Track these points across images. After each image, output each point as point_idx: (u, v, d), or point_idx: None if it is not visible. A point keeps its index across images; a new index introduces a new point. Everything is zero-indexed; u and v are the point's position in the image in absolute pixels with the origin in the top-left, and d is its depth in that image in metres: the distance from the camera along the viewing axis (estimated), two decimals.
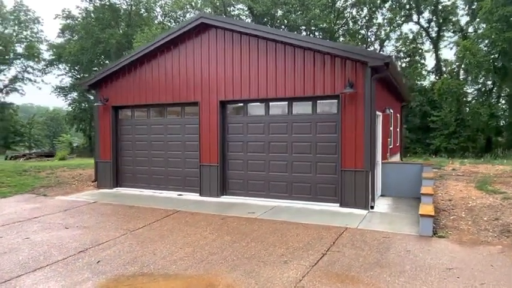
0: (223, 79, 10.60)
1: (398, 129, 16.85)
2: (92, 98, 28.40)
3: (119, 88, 12.22)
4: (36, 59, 54.51)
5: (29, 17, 57.62)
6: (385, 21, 40.80)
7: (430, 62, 53.59)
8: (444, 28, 39.42)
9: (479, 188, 9.43)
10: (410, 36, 41.74)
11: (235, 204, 9.98)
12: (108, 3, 45.21)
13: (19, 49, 55.56)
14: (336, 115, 9.36)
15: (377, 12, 40.98)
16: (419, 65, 40.24)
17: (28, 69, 55.66)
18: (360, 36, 43.95)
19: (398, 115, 16.90)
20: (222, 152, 10.80)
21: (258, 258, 5.94)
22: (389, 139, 12.61)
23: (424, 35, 41.06)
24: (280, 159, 10.18)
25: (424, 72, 39.80)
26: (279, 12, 41.05)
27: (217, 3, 41.40)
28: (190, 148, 11.25)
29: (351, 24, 44.86)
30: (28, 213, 9.08)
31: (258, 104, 10.54)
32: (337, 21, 43.64)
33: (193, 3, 42.31)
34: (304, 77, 9.59)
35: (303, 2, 39.32)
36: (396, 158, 16.16)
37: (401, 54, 42.66)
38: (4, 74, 55.55)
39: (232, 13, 44.64)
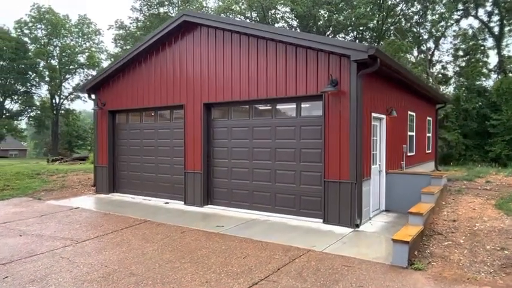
0: (206, 80, 9.87)
1: (430, 134, 14.90)
2: None
3: (114, 92, 12.02)
4: (97, 68, 58.08)
5: (91, 29, 62.02)
6: (441, 16, 37.45)
7: (493, 59, 48.45)
8: (509, 22, 35.21)
9: (498, 207, 7.68)
10: (470, 32, 38.02)
11: (213, 215, 9.16)
12: (156, 13, 46.82)
13: (81, 59, 59.89)
14: (321, 118, 8.17)
15: (431, 8, 37.75)
16: (480, 63, 36.39)
17: (89, 77, 59.66)
18: (411, 35, 40.91)
19: (430, 118, 14.95)
20: (206, 159, 10.05)
21: (174, 284, 5.08)
22: (405, 145, 10.98)
23: (485, 30, 37.06)
24: (264, 167, 9.18)
25: (485, 71, 35.81)
26: (321, 12, 39.52)
27: (261, 7, 40.93)
28: (178, 154, 10.66)
29: (403, 22, 41.99)
30: (3, 218, 9.04)
31: (241, 106, 9.65)
32: (388, 20, 41.05)
33: (235, 8, 42.26)
34: (286, 76, 8.55)
35: (347, 0, 37.50)
36: (427, 167, 14.27)
37: (460, 53, 39.02)
38: (68, 83, 60.16)
39: (276, 15, 43.99)
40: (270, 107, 9.14)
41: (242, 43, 9.22)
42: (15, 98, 58.77)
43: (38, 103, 60.68)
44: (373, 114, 8.59)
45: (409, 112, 11.62)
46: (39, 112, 60.31)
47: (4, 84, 54.67)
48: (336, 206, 7.90)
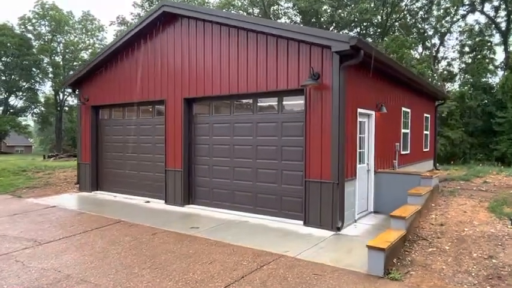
0: (187, 74, 9.42)
1: (428, 132, 14.32)
2: None
3: (97, 87, 11.63)
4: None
5: (94, 25, 61.91)
6: (446, 11, 36.52)
7: (500, 56, 47.37)
8: None
9: (491, 210, 7.14)
10: (476, 27, 37.09)
11: (192, 215, 8.74)
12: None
13: (85, 55, 59.75)
14: (303, 114, 7.67)
15: (436, 3, 36.83)
16: (486, 60, 35.49)
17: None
18: (416, 31, 40.07)
19: (428, 115, 14.36)
20: (188, 156, 9.62)
21: None
22: (397, 143, 10.44)
23: (492, 26, 36.09)
24: (245, 165, 8.72)
25: (491, 68, 34.89)
26: (324, 8, 38.83)
27: (263, 3, 40.35)
28: (160, 151, 10.23)
29: (408, 18, 41.13)
30: None
31: (223, 101, 9.20)
32: (392, 15, 40.22)
33: (237, 3, 41.72)
34: (267, 69, 8.07)
35: None
36: (425, 166, 13.71)
37: (466, 49, 38.11)
38: None
39: (279, 11, 43.39)
40: (251, 103, 8.67)
41: (222, 35, 8.76)
42: (20, 94, 58.93)
43: (42, 99, 60.85)
44: (360, 110, 8.08)
45: (403, 108, 11.07)
46: (42, 109, 60.48)
47: (8, 81, 54.81)
48: (317, 208, 7.42)
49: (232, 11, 40.50)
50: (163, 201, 9.99)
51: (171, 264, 5.63)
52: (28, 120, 66.74)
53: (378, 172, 8.96)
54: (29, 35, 56.71)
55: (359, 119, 8.14)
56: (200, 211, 9.09)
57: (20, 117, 60.03)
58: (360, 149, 8.34)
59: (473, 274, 4.98)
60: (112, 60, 11.16)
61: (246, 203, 8.70)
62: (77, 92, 12.23)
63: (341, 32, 39.64)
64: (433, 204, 7.77)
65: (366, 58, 7.22)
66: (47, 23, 57.98)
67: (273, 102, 8.33)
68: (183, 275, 5.23)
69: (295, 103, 7.99)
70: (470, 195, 8.44)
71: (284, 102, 8.14)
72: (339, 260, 5.72)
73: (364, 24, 41.58)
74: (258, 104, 8.54)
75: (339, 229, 7.13)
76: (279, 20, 41.09)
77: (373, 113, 8.77)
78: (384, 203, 8.77)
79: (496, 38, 36.15)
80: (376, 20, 40.89)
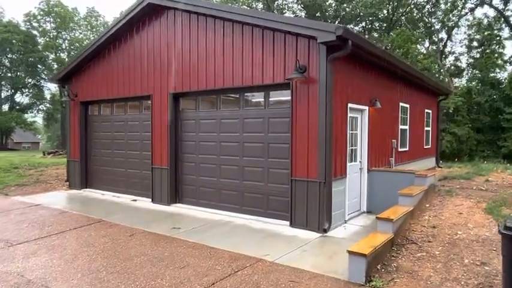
0: (173, 68, 9.07)
1: (429, 128, 13.81)
2: None
3: (86, 82, 11.35)
4: None
5: (99, 21, 61.90)
6: (454, 5, 35.61)
7: (509, 50, 46.14)
8: None
9: (488, 211, 6.70)
10: (485, 21, 36.11)
11: (176, 215, 8.42)
12: None
13: None
14: (289, 109, 7.28)
15: None
16: (495, 54, 34.57)
17: None
18: (423, 25, 39.24)
19: (430, 111, 13.84)
20: (174, 153, 9.29)
21: None
22: (394, 140, 9.99)
23: (501, 19, 35.12)
24: (232, 163, 8.37)
25: (500, 62, 33.97)
26: (329, 2, 38.18)
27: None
28: (147, 148, 9.91)
29: (415, 12, 40.27)
30: None
31: (209, 96, 8.84)
32: (399, 9, 39.39)
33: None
34: (252, 62, 7.68)
35: None
36: (426, 163, 13.23)
37: (475, 43, 37.19)
38: None
39: (283, 5, 42.83)
40: (237, 98, 8.30)
41: (208, 26, 8.39)
42: (25, 91, 59.18)
43: (47, 96, 61.04)
44: (351, 105, 7.66)
45: (401, 104, 10.61)
46: (48, 105, 60.67)
47: (14, 78, 55.05)
48: (303, 208, 7.04)
49: (235, 6, 40.09)
50: (151, 200, 9.68)
51: (142, 269, 5.31)
52: (36, 117, 67.09)
53: (372, 170, 8.54)
54: (34, 32, 56.80)
55: (350, 115, 7.72)
56: (186, 210, 8.76)
57: (26, 114, 60.35)
58: (351, 146, 7.93)
59: (462, 283, 4.58)
60: (100, 55, 10.85)
61: (232, 202, 8.36)
62: (66, 88, 11.95)
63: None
64: (427, 205, 7.35)
65: (356, 49, 6.82)
66: (52, 19, 58.05)
67: (259, 97, 7.96)
68: (151, 280, 4.91)
69: (282, 98, 7.60)
70: (468, 195, 7.99)
71: (271, 97, 7.76)
72: (320, 265, 5.35)
73: (370, 18, 40.82)
74: (245, 99, 8.17)
75: (325, 231, 6.74)
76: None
77: (366, 108, 8.35)
78: (377, 202, 8.36)
79: (505, 32, 35.20)
80: (381, 15, 40.12)
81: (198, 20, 8.56)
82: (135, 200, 9.96)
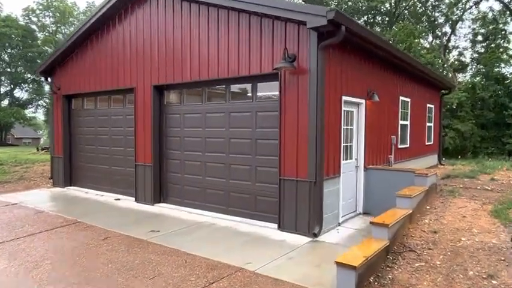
0: (156, 59, 8.49)
1: (431, 124, 13.17)
2: None
3: (69, 75, 10.77)
4: None
5: None
6: None
7: None
8: None
9: (494, 215, 6.10)
10: (490, 15, 35.26)
11: (159, 216, 7.85)
12: None
13: None
14: (278, 102, 6.67)
15: None
16: (500, 49, 33.71)
17: None
18: (426, 19, 38.38)
19: (433, 106, 13.20)
20: (158, 150, 8.72)
21: None
22: (393, 136, 9.38)
23: (507, 13, 34.23)
24: (218, 160, 7.79)
25: (505, 57, 33.12)
26: None
27: None
28: (131, 144, 9.34)
29: (418, 5, 39.40)
30: None
31: (194, 89, 8.25)
32: (402, 3, 38.54)
33: None
34: (238, 51, 7.07)
35: None
36: (428, 161, 12.62)
37: (479, 38, 36.33)
38: None
39: None
40: (223, 90, 7.70)
41: (192, 13, 7.79)
42: (25, 86, 58.71)
43: (47, 91, 60.48)
44: (346, 98, 7.05)
45: (402, 97, 9.98)
46: (48, 101, 60.15)
47: (13, 73, 54.58)
48: (292, 210, 6.46)
49: None
50: (134, 199, 9.13)
51: (107, 279, 4.75)
52: (37, 113, 66.66)
53: (369, 169, 7.94)
54: (33, 27, 56.19)
55: (345, 108, 7.11)
56: (170, 211, 8.20)
57: (26, 110, 59.90)
58: (346, 142, 7.34)
59: None
60: (83, 46, 10.27)
61: (218, 202, 7.79)
62: (49, 80, 11.38)
63: None
64: (428, 207, 6.75)
65: (350, 36, 6.22)
66: (51, 14, 57.43)
67: (246, 89, 7.35)
68: None
69: (270, 90, 6.98)
70: (472, 196, 7.38)
71: (258, 89, 7.16)
72: (306, 275, 4.77)
73: (372, 12, 40.02)
74: (231, 92, 7.58)
75: (315, 235, 6.16)
76: None
77: (363, 101, 7.73)
78: (374, 203, 7.77)
79: (511, 26, 34.37)
80: (384, 8, 39.31)
81: (181, 6, 7.96)
82: (119, 199, 9.41)
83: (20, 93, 59.78)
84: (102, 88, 9.76)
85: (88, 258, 5.47)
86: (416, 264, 4.80)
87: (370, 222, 5.16)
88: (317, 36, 5.98)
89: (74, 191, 10.70)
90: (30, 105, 60.69)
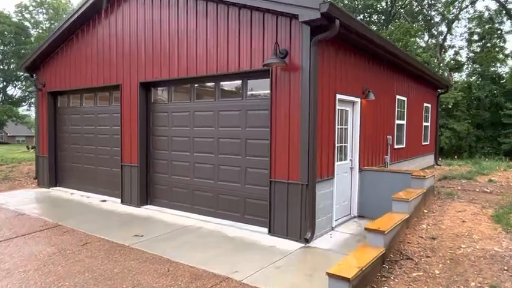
0: (143, 55, 8.13)
1: (428, 124, 12.91)
2: None
3: (54, 71, 10.37)
4: None
5: None
6: None
7: (510, 45, 45.05)
8: None
9: (496, 220, 5.80)
10: (486, 14, 35.10)
11: (144, 219, 7.49)
12: None
13: None
14: (269, 100, 6.34)
15: None
16: (496, 48, 33.59)
17: None
18: (422, 18, 38.19)
19: (429, 105, 12.94)
20: (145, 149, 8.36)
21: None
22: (389, 136, 9.08)
23: (503, 12, 34.10)
24: (206, 161, 7.45)
25: (500, 57, 33.01)
26: None
27: None
28: (117, 143, 8.97)
29: (414, 4, 39.20)
30: None
31: (182, 86, 7.90)
32: (398, 2, 38.31)
33: None
34: (227, 46, 6.73)
35: None
36: (424, 161, 12.35)
37: (475, 37, 36.18)
38: None
39: None
40: (212, 87, 7.36)
41: (180, 5, 7.42)
42: (18, 84, 57.97)
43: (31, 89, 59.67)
44: (340, 96, 6.73)
45: (398, 96, 9.68)
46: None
47: (5, 70, 53.84)
48: (283, 214, 6.14)
49: None
50: (120, 201, 8.76)
51: None
52: (30, 111, 65.87)
53: (364, 170, 7.63)
54: (26, 23, 55.41)
55: (339, 107, 6.80)
56: (156, 213, 7.85)
57: (20, 108, 59.14)
58: (340, 142, 7.02)
59: None
60: (68, 41, 9.88)
61: (206, 205, 7.45)
62: (34, 77, 10.97)
63: None
64: (425, 211, 6.45)
65: (345, 31, 5.90)
66: (44, 10, 56.67)
67: (236, 86, 7.02)
68: None
69: (261, 87, 6.65)
70: (471, 199, 7.09)
71: (249, 87, 6.82)
72: (296, 286, 4.45)
73: (368, 10, 39.79)
74: (220, 89, 7.23)
75: (307, 241, 5.84)
76: None
77: (358, 100, 7.42)
78: (369, 206, 7.48)
79: (507, 26, 34.24)
80: (380, 7, 39.08)
81: (169, 0, 7.59)
82: (105, 201, 9.04)
83: (13, 91, 59.05)
84: (88, 85, 9.37)
85: (64, 266, 5.11)
86: (414, 274, 4.49)
87: (365, 228, 4.84)
88: (310, 31, 5.65)
89: (58, 191, 10.31)
90: (23, 103, 59.93)
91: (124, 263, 5.22)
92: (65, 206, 8.67)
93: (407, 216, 5.58)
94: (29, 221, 7.39)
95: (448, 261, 4.71)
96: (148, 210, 8.10)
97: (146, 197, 8.42)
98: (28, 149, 23.41)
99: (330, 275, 3.87)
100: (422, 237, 5.42)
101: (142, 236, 6.39)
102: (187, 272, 4.86)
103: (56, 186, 10.72)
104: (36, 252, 5.66)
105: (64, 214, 7.87)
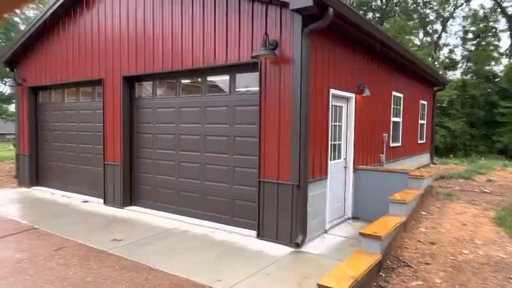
0: (126, 47, 7.68)
1: (424, 121, 12.59)
2: None
3: (35, 65, 9.88)
4: None
5: None
6: None
7: (505, 43, 44.96)
8: None
9: (498, 222, 5.46)
10: (481, 12, 34.98)
11: (126, 221, 7.06)
12: None
13: None
14: (258, 95, 5.94)
15: None
16: (490, 47, 33.47)
17: None
18: (417, 16, 37.95)
19: (426, 102, 12.62)
20: (129, 148, 7.93)
21: None
22: (385, 134, 8.73)
23: (498, 10, 34.00)
24: (192, 160, 7.03)
25: (495, 55, 32.88)
26: None
27: None
28: (100, 141, 8.52)
29: (409, 2, 38.98)
30: None
31: (167, 80, 7.47)
32: (392, 0, 38.07)
33: None
34: (215, 36, 6.31)
35: None
36: (420, 160, 12.03)
37: (470, 35, 36.04)
38: None
39: None
40: (199, 82, 6.94)
41: None
42: (7, 80, 56.97)
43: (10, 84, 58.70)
44: (334, 91, 6.35)
45: (394, 93, 9.33)
46: None
47: None
48: (273, 216, 5.75)
49: None
50: (103, 201, 8.32)
51: None
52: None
53: (358, 169, 7.27)
54: (17, 19, 54.36)
55: (333, 103, 6.42)
56: (140, 215, 7.42)
57: (10, 105, 58.12)
58: (334, 140, 6.65)
59: None
60: (49, 34, 9.39)
61: (192, 206, 7.04)
62: (14, 71, 10.46)
63: None
64: (423, 213, 6.10)
65: (339, 21, 5.51)
66: (35, 6, 55.69)
67: (223, 80, 6.61)
68: None
69: (250, 82, 6.25)
70: (471, 200, 6.76)
71: (237, 81, 6.41)
72: None
73: (363, 8, 39.49)
74: (207, 84, 6.82)
75: (298, 245, 5.45)
76: None
77: (353, 96, 7.05)
78: (364, 207, 7.12)
79: (502, 24, 34.17)
80: (375, 5, 38.80)
81: None
82: (86, 201, 8.59)
83: (3, 88, 58.01)
84: (70, 79, 8.91)
85: (32, 275, 4.68)
86: (413, 283, 4.12)
87: (360, 233, 4.47)
88: (301, 21, 5.26)
89: (39, 191, 9.83)
90: (13, 100, 58.95)
91: (98, 270, 4.79)
92: (44, 207, 8.22)
93: (405, 219, 5.22)
94: (3, 224, 6.93)
95: (449, 269, 4.35)
96: (132, 212, 7.67)
97: (130, 197, 7.99)
98: (14, 146, 22.74)
99: (321, 287, 3.48)
100: (420, 242, 5.06)
101: (121, 240, 5.96)
102: (166, 281, 4.45)
103: (37, 185, 10.24)
104: (5, 259, 5.22)
105: (42, 216, 7.42)
